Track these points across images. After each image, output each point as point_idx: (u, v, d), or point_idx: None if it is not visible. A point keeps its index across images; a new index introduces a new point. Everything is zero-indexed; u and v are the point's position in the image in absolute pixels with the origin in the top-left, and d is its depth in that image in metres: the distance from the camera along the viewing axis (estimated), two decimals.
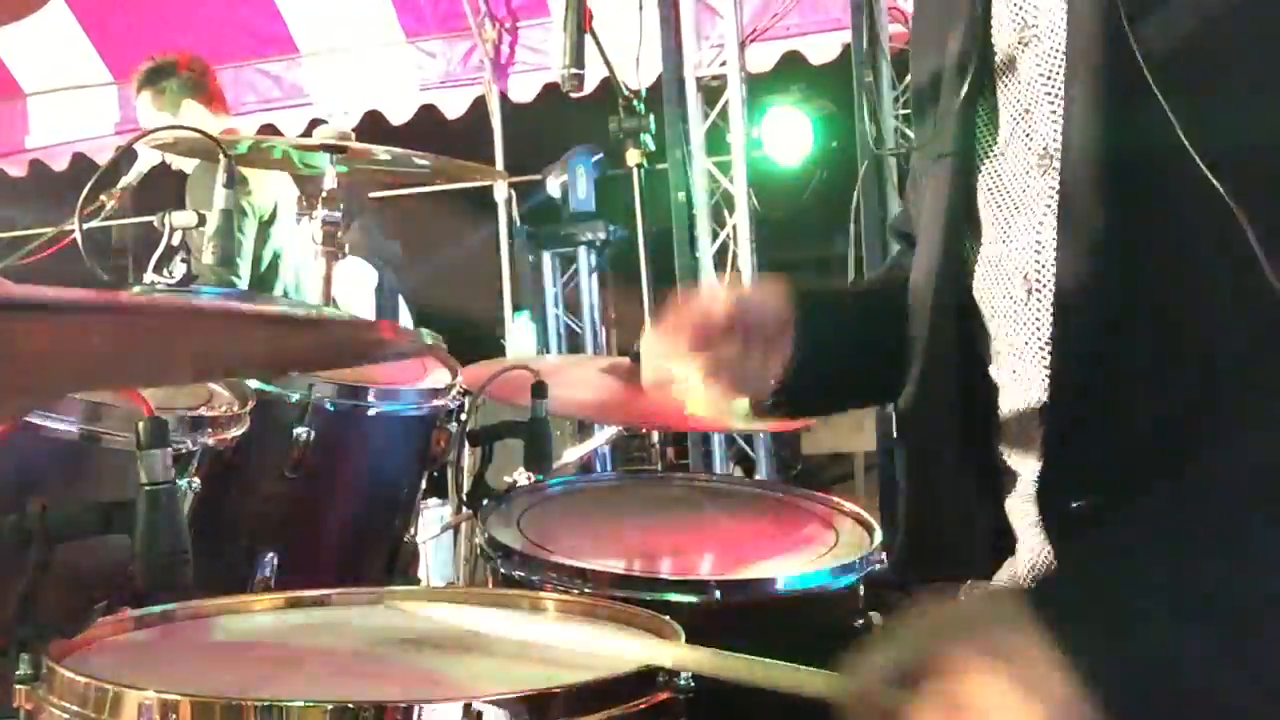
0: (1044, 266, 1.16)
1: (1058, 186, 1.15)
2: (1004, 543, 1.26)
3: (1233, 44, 1.05)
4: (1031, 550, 1.21)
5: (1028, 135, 1.19)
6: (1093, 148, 1.11)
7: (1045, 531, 1.18)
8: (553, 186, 6.80)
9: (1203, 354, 1.07)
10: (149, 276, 2.92)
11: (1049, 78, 1.16)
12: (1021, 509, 1.23)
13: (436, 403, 2.21)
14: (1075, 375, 1.13)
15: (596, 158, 6.54)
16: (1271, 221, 1.01)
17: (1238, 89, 1.04)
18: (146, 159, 3.06)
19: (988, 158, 1.25)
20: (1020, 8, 1.20)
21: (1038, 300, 1.17)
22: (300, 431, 2.03)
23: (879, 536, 1.75)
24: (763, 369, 1.36)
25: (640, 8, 5.00)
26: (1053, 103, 1.16)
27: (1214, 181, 1.01)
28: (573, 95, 2.86)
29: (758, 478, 5.49)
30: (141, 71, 4.25)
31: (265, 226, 4.06)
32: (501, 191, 6.73)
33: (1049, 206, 1.16)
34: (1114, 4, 1.07)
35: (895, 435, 1.45)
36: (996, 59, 1.24)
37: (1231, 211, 1.02)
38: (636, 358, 2.39)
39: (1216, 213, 1.02)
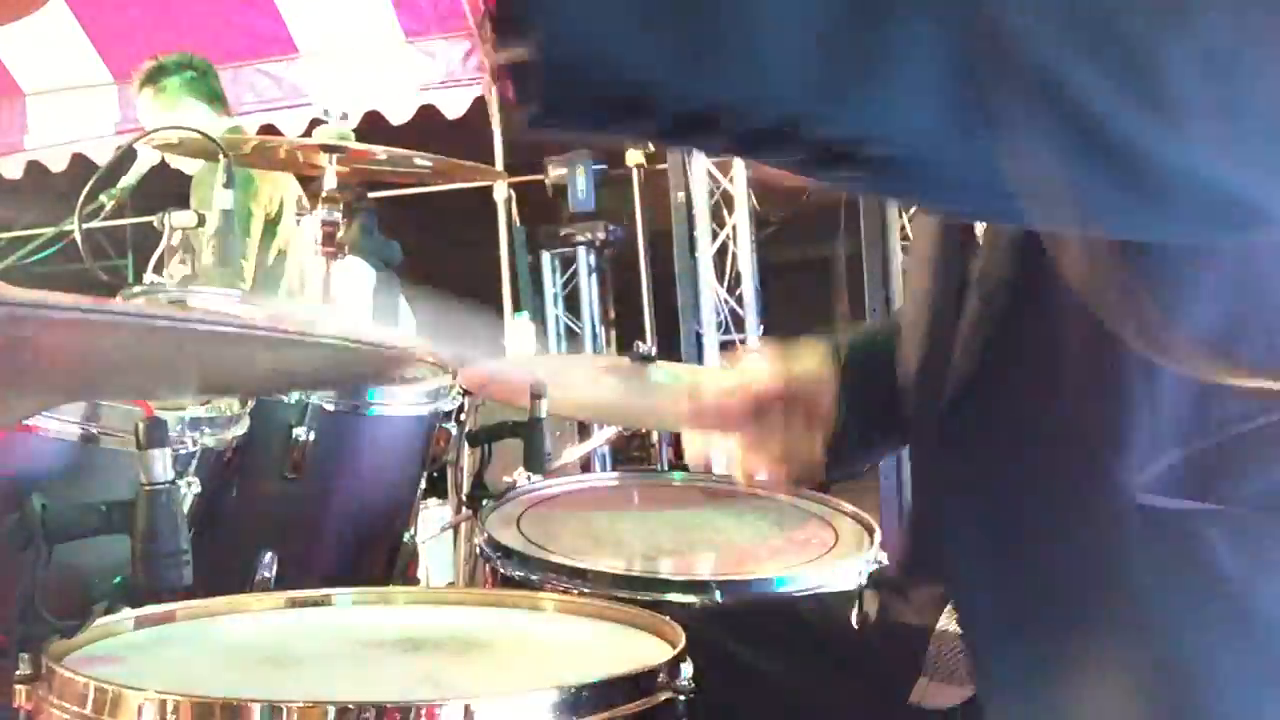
0: None
1: None
2: None
3: None
4: None
5: None
6: None
7: None
8: (552, 187, 6.80)
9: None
10: (149, 277, 2.92)
11: None
12: None
13: (436, 403, 2.21)
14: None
15: (596, 158, 6.55)
16: None
17: None
18: (146, 159, 3.06)
19: None
20: None
21: None
22: (300, 432, 2.03)
23: (879, 536, 1.75)
24: (808, 445, 1.37)
25: None
26: None
27: None
28: None
29: (757, 478, 5.48)
30: (143, 70, 4.24)
31: (272, 224, 4.06)
32: (501, 192, 6.73)
33: None
34: None
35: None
36: None
37: None
38: (636, 358, 2.40)
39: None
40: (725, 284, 5.77)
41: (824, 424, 1.36)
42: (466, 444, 2.27)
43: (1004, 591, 1.05)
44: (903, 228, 5.47)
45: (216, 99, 4.24)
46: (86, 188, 2.55)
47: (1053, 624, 1.03)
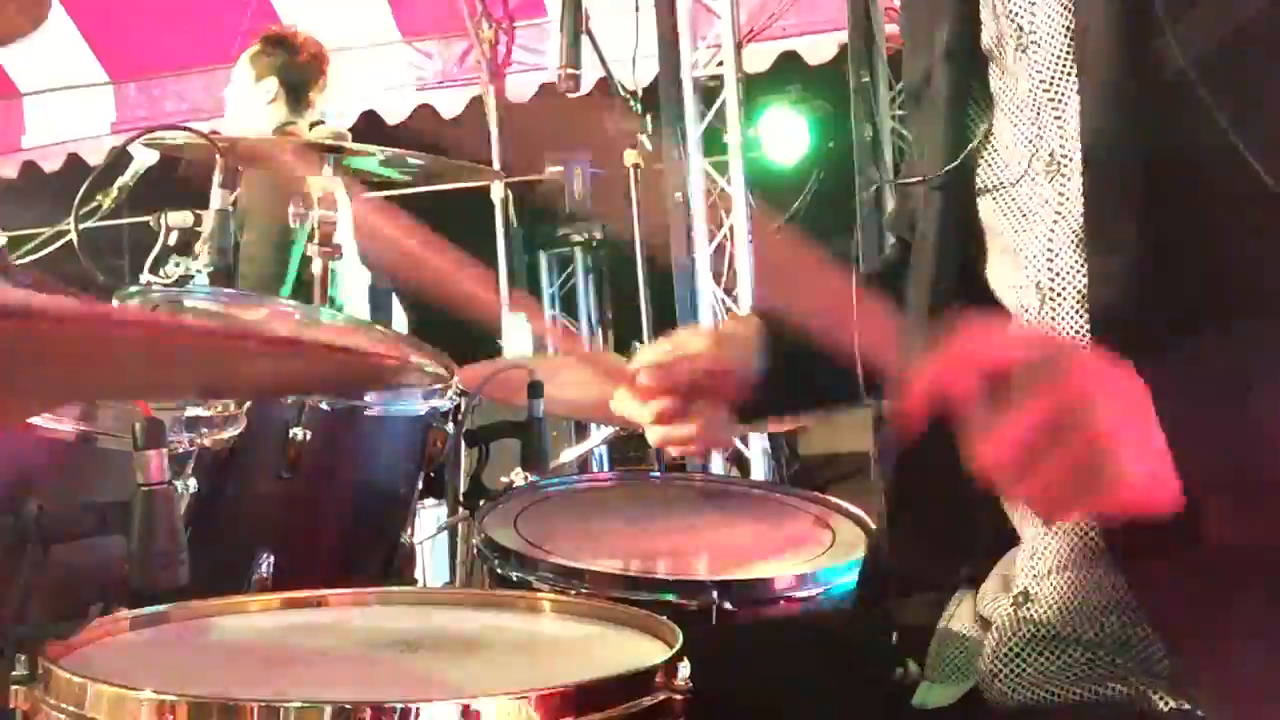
0: (1058, 275, 1.16)
1: (1068, 193, 1.14)
2: (1001, 540, 1.25)
3: (1264, 45, 1.04)
4: (1033, 544, 1.21)
5: (1030, 141, 1.19)
6: (1118, 154, 1.10)
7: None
8: (549, 187, 6.80)
9: (1237, 360, 1.05)
10: (145, 277, 2.92)
11: (1051, 83, 1.16)
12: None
13: (433, 403, 2.21)
14: None
15: (592, 159, 6.54)
16: None
17: (1269, 92, 1.03)
18: (143, 159, 3.05)
19: (987, 165, 1.24)
20: (1013, 12, 1.19)
21: (1053, 307, 1.16)
22: (297, 432, 2.02)
23: None
24: (717, 422, 1.52)
25: (637, 8, 5.00)
26: (1057, 108, 1.15)
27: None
28: (569, 95, 2.87)
29: (754, 478, 5.49)
30: (268, 31, 4.12)
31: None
32: (498, 191, 6.73)
33: (1059, 213, 1.15)
34: (1139, 9, 1.07)
35: (880, 434, 1.44)
36: (989, 62, 1.24)
37: (1266, 213, 1.02)
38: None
39: (1254, 217, 1.03)
40: (722, 284, 5.77)
41: (735, 398, 1.51)
42: (464, 444, 2.27)
43: None
44: None
45: (300, 99, 4.05)
46: (84, 188, 2.55)
47: None
